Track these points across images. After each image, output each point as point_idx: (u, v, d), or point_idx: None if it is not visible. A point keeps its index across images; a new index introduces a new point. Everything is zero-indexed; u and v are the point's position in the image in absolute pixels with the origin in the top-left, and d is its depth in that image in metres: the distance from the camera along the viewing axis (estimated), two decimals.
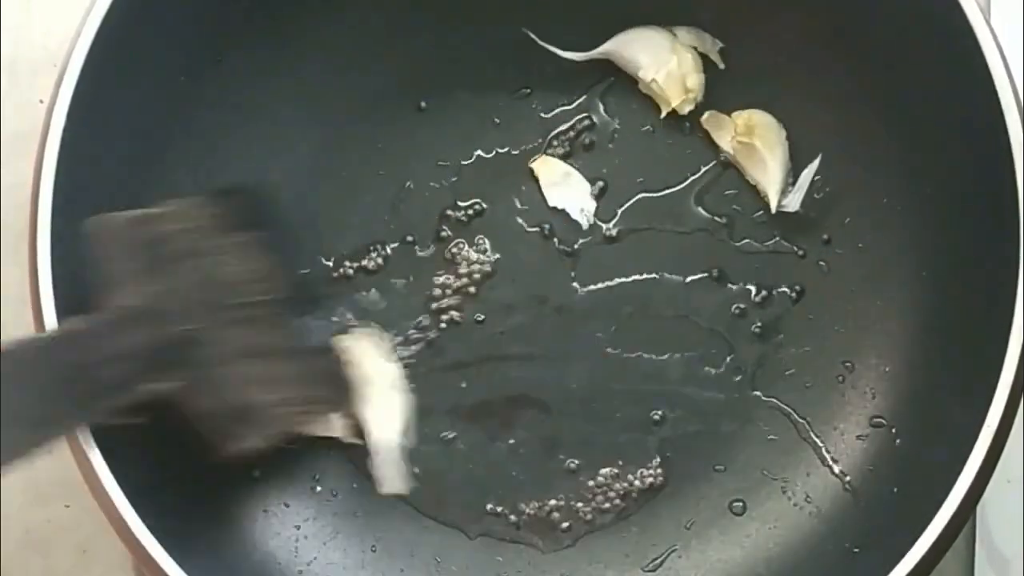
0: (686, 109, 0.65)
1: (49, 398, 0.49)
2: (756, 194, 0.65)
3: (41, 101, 0.58)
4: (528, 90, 0.66)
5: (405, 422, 0.64)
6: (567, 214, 0.65)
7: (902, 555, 0.53)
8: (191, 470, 0.60)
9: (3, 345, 0.48)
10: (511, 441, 0.64)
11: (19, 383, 0.48)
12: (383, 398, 0.63)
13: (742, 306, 0.65)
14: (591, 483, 0.64)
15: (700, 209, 0.65)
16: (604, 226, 0.65)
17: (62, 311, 0.55)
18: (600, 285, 0.65)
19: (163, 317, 0.53)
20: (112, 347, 0.51)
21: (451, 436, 0.64)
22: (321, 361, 0.61)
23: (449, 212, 0.66)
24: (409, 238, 0.66)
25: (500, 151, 0.66)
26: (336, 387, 0.61)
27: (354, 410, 0.62)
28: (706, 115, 0.65)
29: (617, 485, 0.64)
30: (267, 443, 0.57)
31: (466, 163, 0.66)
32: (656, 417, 0.64)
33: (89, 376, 0.50)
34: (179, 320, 0.54)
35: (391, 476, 0.63)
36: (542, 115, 0.66)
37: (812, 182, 0.64)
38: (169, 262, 0.54)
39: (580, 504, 0.64)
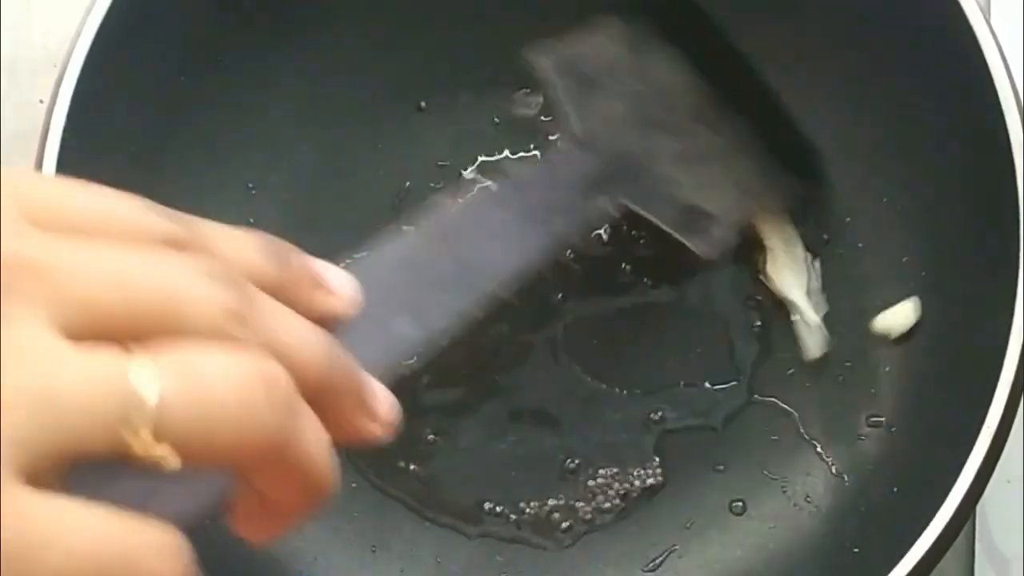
0: None
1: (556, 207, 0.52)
2: None
3: (41, 101, 0.58)
4: (528, 90, 0.66)
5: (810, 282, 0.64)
6: None
7: (902, 555, 0.53)
8: None
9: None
10: (511, 441, 0.64)
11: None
12: (790, 259, 0.64)
13: (742, 307, 0.65)
14: (591, 483, 0.64)
15: None
16: (604, 225, 0.65)
17: None
18: (600, 284, 0.65)
19: (610, 138, 0.55)
20: (577, 169, 0.54)
21: (451, 436, 0.64)
22: (758, 159, 0.61)
23: None
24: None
25: (500, 151, 0.66)
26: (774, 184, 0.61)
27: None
28: None
29: (617, 485, 0.64)
30: (735, 235, 0.58)
31: (466, 163, 0.66)
32: (656, 417, 0.64)
33: (569, 194, 0.53)
34: (627, 137, 0.56)
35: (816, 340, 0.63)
36: (543, 116, 0.66)
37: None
38: (602, 83, 0.57)
39: (580, 504, 0.64)
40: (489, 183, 0.52)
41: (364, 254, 0.44)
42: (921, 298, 0.62)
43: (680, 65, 0.60)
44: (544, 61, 0.58)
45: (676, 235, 0.56)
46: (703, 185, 0.57)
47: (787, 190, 0.62)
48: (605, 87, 0.57)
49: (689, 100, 0.58)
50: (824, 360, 0.64)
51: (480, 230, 0.49)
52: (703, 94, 0.59)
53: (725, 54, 0.61)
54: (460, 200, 0.50)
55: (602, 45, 0.58)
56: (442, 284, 0.46)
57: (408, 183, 0.66)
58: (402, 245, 0.46)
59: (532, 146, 0.66)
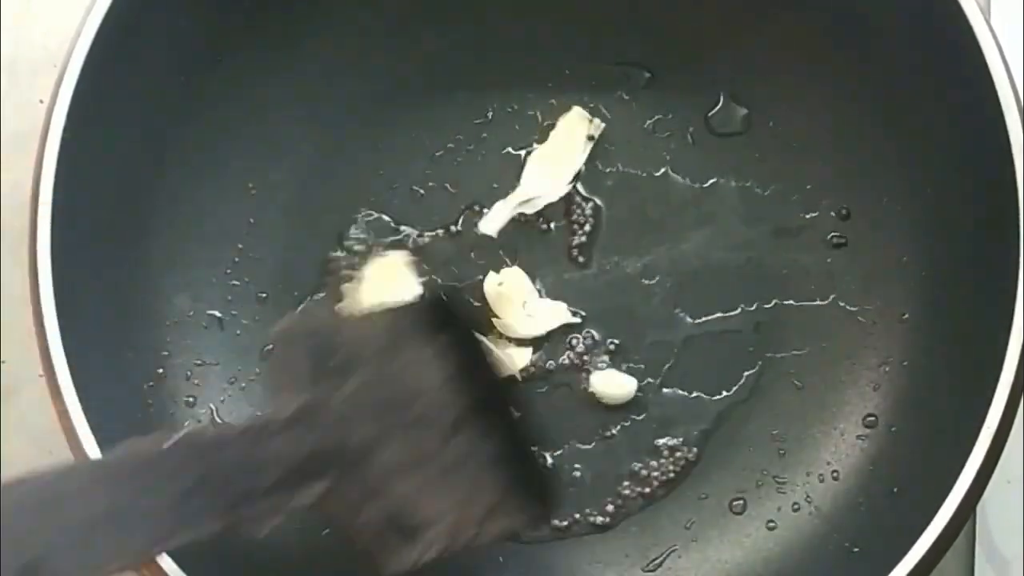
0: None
1: (171, 505, 0.47)
2: (754, 195, 0.65)
3: (41, 101, 0.58)
4: (529, 92, 0.66)
5: None
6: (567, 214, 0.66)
7: (902, 555, 0.53)
8: None
9: (130, 446, 0.47)
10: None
11: (138, 487, 0.47)
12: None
13: (742, 307, 0.65)
14: (592, 484, 0.64)
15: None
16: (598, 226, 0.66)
17: (62, 312, 0.55)
18: (599, 286, 0.65)
19: (319, 425, 0.51)
20: (251, 455, 0.49)
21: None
22: (499, 475, 0.56)
23: (450, 212, 0.66)
24: (409, 239, 0.66)
25: (500, 151, 0.66)
26: (518, 499, 0.56)
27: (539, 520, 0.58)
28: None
29: (617, 486, 0.64)
30: (427, 559, 0.53)
31: (466, 163, 0.66)
32: (656, 418, 0.64)
33: (221, 483, 0.49)
34: (338, 429, 0.52)
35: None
36: (542, 119, 0.66)
37: (810, 181, 0.64)
38: (342, 371, 0.53)
39: (580, 504, 0.64)
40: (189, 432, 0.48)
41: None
42: (921, 298, 0.62)
43: (438, 365, 0.55)
44: (284, 324, 0.55)
45: (364, 547, 0.52)
46: (415, 496, 0.53)
47: (509, 517, 0.56)
48: (343, 369, 0.53)
49: (431, 403, 0.54)
50: (825, 360, 0.64)
51: (162, 484, 0.47)
52: (450, 400, 0.55)
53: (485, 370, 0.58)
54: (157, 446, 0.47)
55: (357, 326, 0.55)
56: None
57: (408, 183, 0.66)
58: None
59: (532, 146, 0.66)
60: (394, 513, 0.53)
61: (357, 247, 0.65)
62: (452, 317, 0.57)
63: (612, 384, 0.64)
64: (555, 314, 0.64)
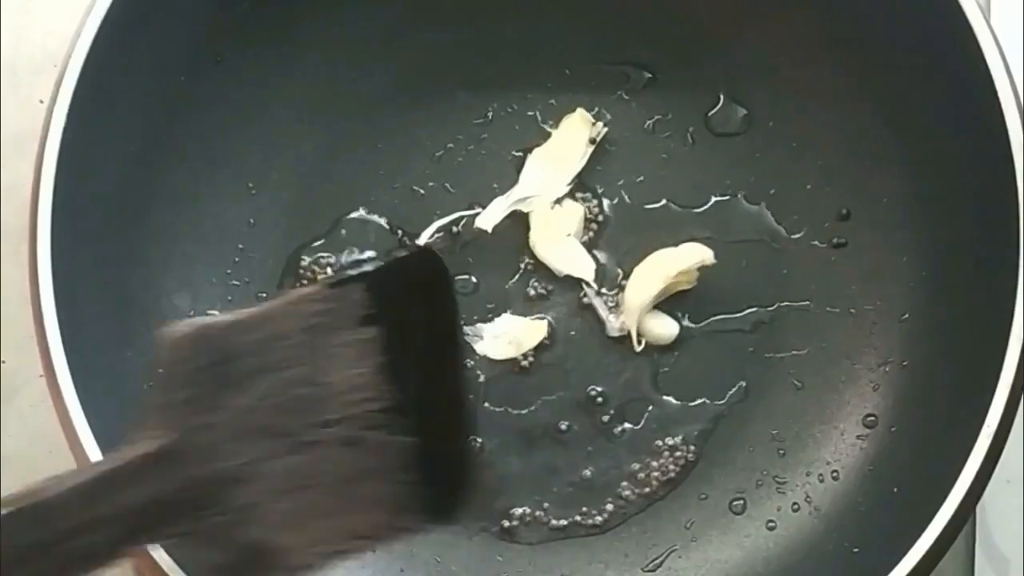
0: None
1: None
2: (754, 196, 0.65)
3: (41, 101, 0.58)
4: (529, 92, 0.66)
5: None
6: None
7: (902, 555, 0.53)
8: None
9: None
10: (516, 450, 0.64)
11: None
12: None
13: (742, 307, 0.65)
14: (592, 485, 0.64)
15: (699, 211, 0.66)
16: (599, 228, 0.66)
17: (62, 312, 0.55)
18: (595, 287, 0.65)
19: (193, 457, 0.45)
20: (97, 509, 0.43)
21: None
22: (395, 483, 0.48)
23: (450, 212, 0.66)
24: (408, 239, 0.66)
25: (499, 152, 0.66)
26: (406, 509, 0.49)
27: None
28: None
29: (617, 487, 0.64)
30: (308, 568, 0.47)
31: (466, 164, 0.66)
32: (655, 419, 0.64)
33: (59, 550, 0.43)
34: (218, 457, 0.45)
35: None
36: (542, 119, 0.66)
37: (810, 181, 0.64)
38: (236, 382, 0.46)
39: (581, 505, 0.64)
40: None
41: None
42: (921, 298, 0.62)
43: (366, 355, 0.47)
44: (181, 331, 0.46)
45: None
46: (295, 513, 0.46)
47: (412, 512, 0.49)
48: (245, 388, 0.45)
49: (343, 405, 0.47)
50: (825, 360, 0.64)
51: None
52: (369, 399, 0.47)
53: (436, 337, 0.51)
54: None
55: (279, 326, 0.46)
56: None
57: (408, 183, 0.66)
58: None
59: (532, 146, 0.66)
60: (257, 542, 0.46)
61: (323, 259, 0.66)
62: (432, 276, 0.51)
63: (658, 326, 0.64)
64: (582, 266, 0.64)
